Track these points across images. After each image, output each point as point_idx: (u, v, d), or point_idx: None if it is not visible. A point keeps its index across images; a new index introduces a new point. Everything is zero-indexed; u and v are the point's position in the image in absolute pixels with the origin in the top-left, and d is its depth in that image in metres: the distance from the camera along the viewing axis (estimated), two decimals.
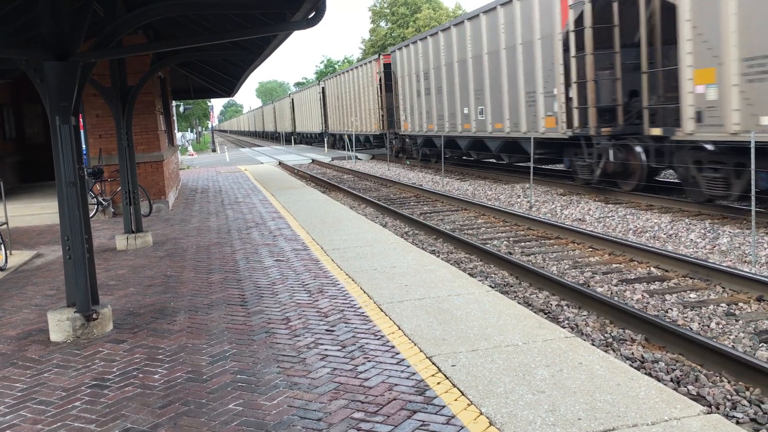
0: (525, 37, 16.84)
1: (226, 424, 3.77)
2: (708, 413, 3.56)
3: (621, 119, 14.14)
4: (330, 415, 3.81)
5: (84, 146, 13.18)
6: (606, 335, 6.11)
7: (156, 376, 4.60)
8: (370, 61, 32.66)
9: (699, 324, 6.28)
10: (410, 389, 4.10)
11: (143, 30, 12.36)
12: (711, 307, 6.75)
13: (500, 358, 4.49)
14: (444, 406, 3.83)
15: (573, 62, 14.86)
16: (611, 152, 14.11)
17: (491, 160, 22.67)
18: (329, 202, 13.92)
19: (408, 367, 4.45)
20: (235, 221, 11.84)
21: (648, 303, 6.98)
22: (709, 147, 11.52)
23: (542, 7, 15.87)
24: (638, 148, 13.52)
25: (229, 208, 13.76)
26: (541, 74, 16.33)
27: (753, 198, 9.00)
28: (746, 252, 8.86)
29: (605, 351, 5.69)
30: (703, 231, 10.32)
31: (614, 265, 8.72)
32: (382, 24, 66.84)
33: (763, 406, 4.60)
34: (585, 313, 6.81)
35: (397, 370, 4.40)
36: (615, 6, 13.92)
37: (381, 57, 31.45)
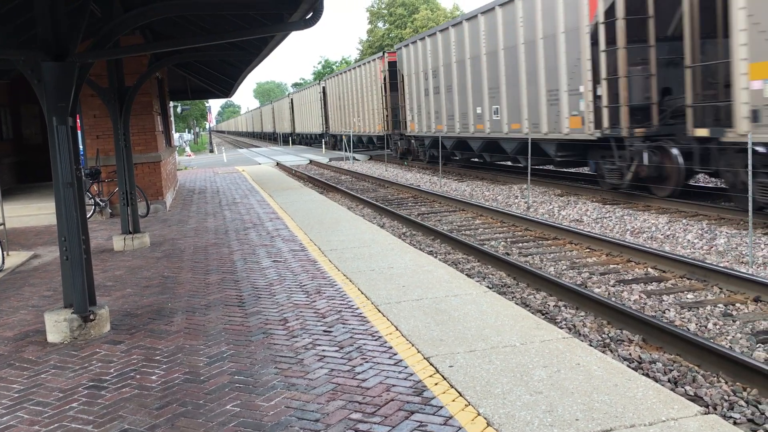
0: (547, 31, 15.67)
1: (224, 425, 3.77)
2: (705, 414, 3.57)
3: (656, 119, 13.14)
4: (328, 415, 3.80)
5: (81, 147, 13.18)
6: (603, 336, 6.12)
7: (153, 377, 4.60)
8: (374, 59, 31.49)
9: (696, 324, 6.29)
10: (408, 390, 4.10)
11: (141, 30, 12.36)
12: (708, 307, 6.76)
13: (498, 358, 4.49)
14: (442, 407, 3.83)
15: (602, 57, 13.67)
16: (645, 155, 12.96)
17: (506, 163, 21.34)
18: (327, 203, 13.92)
19: (406, 367, 4.45)
20: (233, 222, 11.83)
21: (645, 303, 6.99)
22: (760, 149, 10.35)
23: None
24: (675, 151, 12.53)
25: (227, 209, 13.75)
26: (565, 71, 15.16)
27: (750, 199, 9.02)
28: (743, 252, 8.87)
29: (603, 352, 5.70)
30: (700, 232, 10.33)
31: (612, 266, 8.73)
32: (380, 25, 66.87)
33: (760, 406, 4.61)
34: (582, 313, 6.81)
35: (394, 371, 4.40)
36: None
37: (385, 55, 30.29)
